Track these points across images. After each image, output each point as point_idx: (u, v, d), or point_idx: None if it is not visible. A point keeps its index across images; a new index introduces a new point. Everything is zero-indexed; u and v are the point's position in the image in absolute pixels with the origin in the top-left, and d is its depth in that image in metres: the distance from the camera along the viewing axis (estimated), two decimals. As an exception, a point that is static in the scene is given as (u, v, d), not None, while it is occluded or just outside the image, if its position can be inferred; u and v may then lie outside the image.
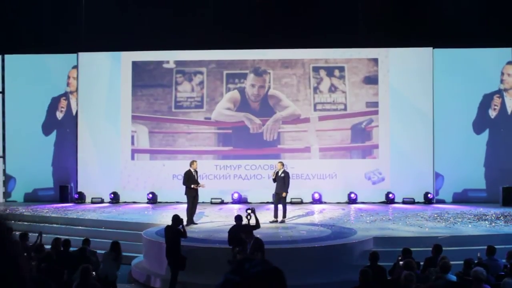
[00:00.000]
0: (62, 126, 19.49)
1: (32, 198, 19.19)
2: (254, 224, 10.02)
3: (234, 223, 10.28)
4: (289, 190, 13.75)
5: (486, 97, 18.53)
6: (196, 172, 13.63)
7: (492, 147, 18.41)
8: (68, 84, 19.47)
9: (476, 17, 18.05)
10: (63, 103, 19.49)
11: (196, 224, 13.27)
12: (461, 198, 18.21)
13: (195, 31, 18.24)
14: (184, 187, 13.55)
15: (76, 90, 19.15)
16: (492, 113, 18.55)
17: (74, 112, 19.38)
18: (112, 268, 9.77)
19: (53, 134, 19.53)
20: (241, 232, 9.33)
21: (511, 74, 18.55)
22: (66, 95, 19.50)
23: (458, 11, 18.06)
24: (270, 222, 13.43)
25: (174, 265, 9.91)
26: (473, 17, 18.01)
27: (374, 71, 18.60)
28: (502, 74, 18.56)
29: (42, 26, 18.75)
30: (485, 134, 18.51)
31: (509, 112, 18.57)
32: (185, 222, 13.19)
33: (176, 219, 10.21)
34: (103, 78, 19.08)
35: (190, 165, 13.66)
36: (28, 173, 19.26)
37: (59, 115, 19.50)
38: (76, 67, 19.22)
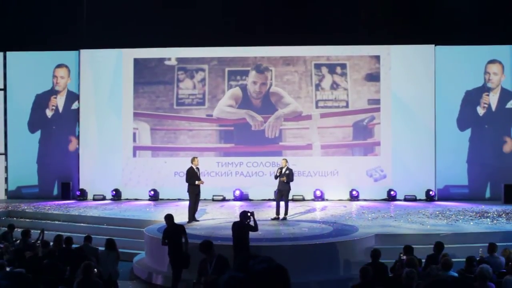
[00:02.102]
0: (48, 123, 19.47)
1: (16, 195, 19.31)
2: (253, 226, 9.98)
3: (236, 220, 10.25)
4: (291, 187, 13.73)
5: (468, 93, 18.52)
6: (198, 168, 13.57)
7: (477, 144, 18.42)
8: (55, 83, 19.44)
9: (478, 14, 18.03)
10: (54, 101, 19.48)
11: (198, 221, 13.27)
12: (442, 195, 18.23)
13: (196, 28, 18.24)
14: (187, 184, 13.52)
15: (78, 87, 19.16)
16: (481, 111, 18.55)
17: (61, 110, 19.43)
18: (115, 266, 9.79)
19: (38, 132, 19.54)
20: (203, 250, 8.37)
21: (497, 72, 18.54)
22: (56, 93, 19.49)
23: (460, 8, 18.04)
24: (272, 219, 13.43)
25: (177, 263, 9.81)
26: (475, 14, 17.99)
27: (376, 68, 18.58)
28: (488, 73, 18.53)
29: (44, 24, 18.73)
30: (475, 131, 18.50)
31: (493, 109, 18.58)
32: (186, 220, 13.28)
33: (169, 218, 9.99)
34: (104, 75, 19.08)
35: (191, 162, 13.61)
36: (11, 170, 19.42)
37: (49, 113, 19.49)
38: (60, 65, 19.36)
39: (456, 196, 18.09)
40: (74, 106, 19.34)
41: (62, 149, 19.31)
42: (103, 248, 10.16)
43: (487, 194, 18.24)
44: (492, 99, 18.59)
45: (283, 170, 13.53)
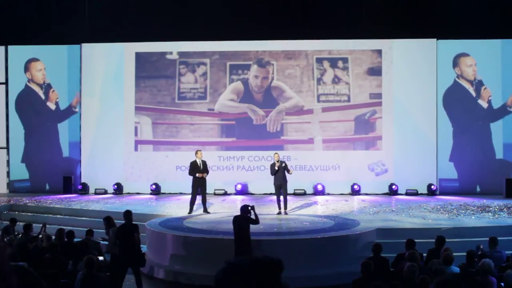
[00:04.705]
0: (50, 117, 19.49)
1: (9, 189, 19.51)
2: (254, 219, 10.01)
3: (237, 213, 10.27)
4: (293, 181, 13.80)
5: (446, 94, 18.47)
6: (204, 162, 13.78)
7: (478, 138, 18.41)
8: (42, 76, 19.44)
9: (480, 7, 17.98)
10: (55, 94, 19.48)
11: (209, 213, 13.59)
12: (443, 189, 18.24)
13: (198, 22, 18.20)
14: (191, 178, 13.75)
15: (79, 82, 19.13)
16: (485, 104, 18.52)
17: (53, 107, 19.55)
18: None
19: (31, 127, 19.57)
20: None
21: (472, 65, 18.50)
22: (49, 86, 19.50)
23: (462, 2, 18.00)
24: (277, 214, 13.50)
25: (133, 262, 9.41)
26: (477, 8, 17.94)
27: (377, 62, 18.54)
28: (469, 66, 18.49)
29: (45, 18, 18.71)
30: (477, 125, 18.48)
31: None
32: (187, 212, 13.47)
33: (128, 216, 9.73)
34: (106, 69, 19.07)
35: (195, 155, 13.90)
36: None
37: (52, 106, 19.52)
38: (32, 60, 19.43)
39: (447, 190, 18.14)
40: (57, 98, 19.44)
41: (55, 142, 19.34)
42: (105, 242, 10.20)
43: (478, 189, 18.31)
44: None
45: (279, 164, 13.54)
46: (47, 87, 19.47)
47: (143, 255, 9.49)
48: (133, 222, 9.76)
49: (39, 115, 19.45)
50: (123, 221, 9.82)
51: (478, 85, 18.49)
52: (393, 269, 8.44)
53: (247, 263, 1.94)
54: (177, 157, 18.44)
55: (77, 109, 19.22)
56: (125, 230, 9.52)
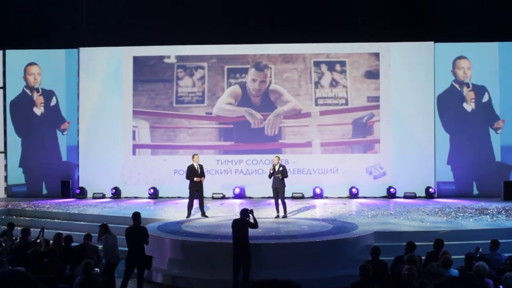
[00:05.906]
0: (38, 122, 19.49)
1: (7, 193, 19.59)
2: (253, 223, 9.99)
3: (236, 217, 10.25)
4: (291, 185, 13.74)
5: (440, 96, 18.51)
6: (201, 166, 13.76)
7: (473, 141, 18.44)
8: (34, 81, 19.44)
9: (478, 10, 18.03)
10: (40, 99, 19.48)
11: (207, 217, 13.54)
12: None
13: (196, 26, 18.23)
14: (188, 181, 13.72)
15: (77, 86, 19.12)
16: (469, 107, 18.55)
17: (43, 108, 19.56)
18: (117, 248, 9.92)
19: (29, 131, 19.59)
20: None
21: (469, 67, 18.53)
22: (38, 91, 19.50)
23: (459, 5, 18.05)
24: (275, 217, 13.47)
25: (140, 265, 9.40)
26: (474, 11, 17.99)
27: (375, 65, 18.57)
28: (463, 68, 18.52)
29: (43, 22, 18.71)
30: (466, 129, 18.50)
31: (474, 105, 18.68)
32: (185, 216, 13.46)
33: (137, 217, 9.67)
34: (104, 73, 19.07)
35: (192, 159, 13.86)
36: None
37: (38, 111, 19.52)
38: (28, 64, 19.49)
39: (444, 193, 18.16)
40: (53, 102, 19.42)
41: (53, 146, 19.34)
42: (101, 246, 10.19)
43: (476, 192, 18.34)
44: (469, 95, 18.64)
45: (277, 168, 13.53)
46: (36, 92, 19.48)
47: (149, 258, 9.47)
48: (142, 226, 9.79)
49: (32, 120, 19.45)
50: (120, 225, 9.80)
51: (468, 87, 18.55)
52: (391, 273, 8.42)
53: (268, 285, 2.04)
54: (175, 161, 18.44)
55: (65, 133, 19.22)
56: (133, 232, 9.48)
